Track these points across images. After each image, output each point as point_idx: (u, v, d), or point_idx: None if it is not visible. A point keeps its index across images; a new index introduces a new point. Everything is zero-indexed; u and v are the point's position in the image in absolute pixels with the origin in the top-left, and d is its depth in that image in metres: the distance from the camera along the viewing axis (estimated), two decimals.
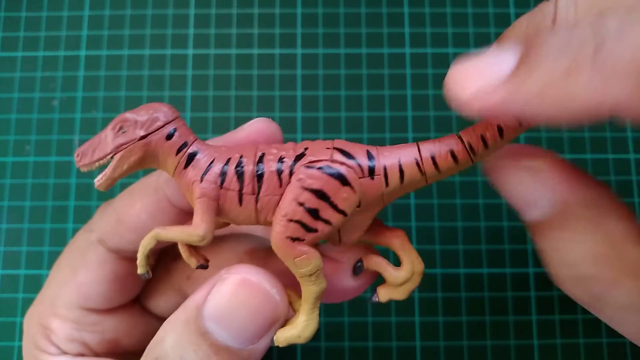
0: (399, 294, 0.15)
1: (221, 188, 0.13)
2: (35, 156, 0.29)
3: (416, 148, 0.14)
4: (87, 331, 0.18)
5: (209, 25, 0.31)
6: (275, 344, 0.14)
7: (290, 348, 0.27)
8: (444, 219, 0.28)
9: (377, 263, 0.15)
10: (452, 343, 0.27)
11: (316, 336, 0.27)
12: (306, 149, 0.14)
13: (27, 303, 0.27)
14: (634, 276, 0.12)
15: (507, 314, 0.27)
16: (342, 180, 0.13)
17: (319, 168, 0.13)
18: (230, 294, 0.13)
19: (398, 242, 0.15)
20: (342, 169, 0.13)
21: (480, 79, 0.11)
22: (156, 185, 0.17)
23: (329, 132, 0.29)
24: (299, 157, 0.13)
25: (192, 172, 0.14)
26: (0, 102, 0.30)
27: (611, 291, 0.12)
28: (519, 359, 0.27)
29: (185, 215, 0.17)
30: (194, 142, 0.14)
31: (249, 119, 0.29)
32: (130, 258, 0.18)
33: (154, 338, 0.14)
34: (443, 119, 0.29)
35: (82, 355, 0.18)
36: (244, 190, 0.13)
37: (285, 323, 0.15)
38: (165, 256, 0.20)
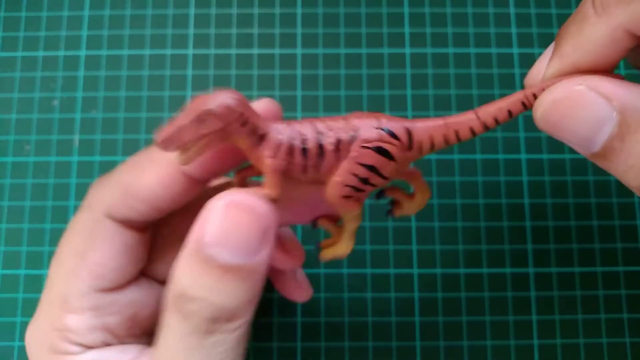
0: (409, 211, 0.19)
1: (289, 163, 0.16)
2: (35, 156, 0.29)
3: (444, 124, 0.17)
4: (107, 314, 0.18)
5: (209, 25, 0.31)
6: (322, 261, 0.18)
7: (291, 347, 0.27)
8: (443, 219, 0.28)
9: (395, 190, 0.20)
10: (452, 343, 0.27)
11: (316, 336, 0.27)
12: (360, 128, 0.16)
13: (27, 303, 0.28)
14: None
15: (507, 314, 0.27)
16: (390, 157, 0.17)
17: (372, 148, 0.16)
18: (222, 218, 0.15)
19: (414, 178, 0.19)
20: (390, 148, 0.16)
21: None
22: (169, 158, 0.17)
23: None
24: (353, 138, 0.16)
25: (265, 151, 0.16)
26: (0, 102, 0.30)
27: None
28: (519, 359, 0.27)
29: (195, 183, 0.18)
30: (262, 123, 0.16)
31: None
32: (137, 227, 0.18)
33: (171, 282, 0.16)
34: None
35: (107, 344, 0.18)
36: (308, 164, 0.16)
37: (329, 247, 0.18)
38: (171, 218, 0.20)
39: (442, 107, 0.29)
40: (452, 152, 0.29)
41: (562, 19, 0.31)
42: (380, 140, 0.16)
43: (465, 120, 0.17)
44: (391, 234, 0.28)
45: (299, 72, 0.30)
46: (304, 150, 0.16)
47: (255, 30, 0.31)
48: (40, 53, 0.30)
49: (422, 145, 0.17)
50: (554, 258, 0.28)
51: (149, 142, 0.29)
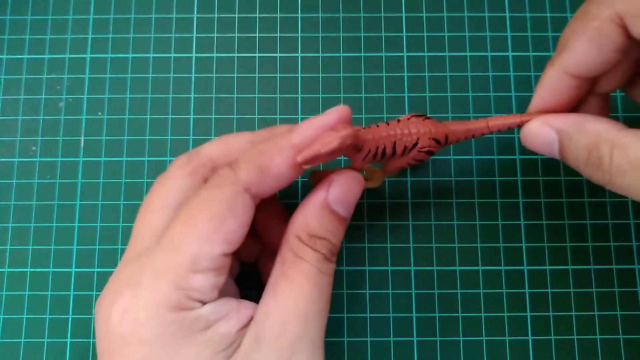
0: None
1: (371, 160, 0.23)
2: (41, 157, 0.30)
3: (466, 129, 0.24)
4: (222, 273, 0.21)
5: (212, 29, 0.31)
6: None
7: None
8: (440, 218, 0.29)
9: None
10: (448, 338, 0.28)
11: None
12: (418, 139, 0.23)
13: (33, 300, 0.28)
14: None
15: (502, 310, 0.28)
16: (432, 154, 0.24)
17: (424, 151, 0.24)
18: (344, 184, 0.22)
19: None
20: (434, 149, 0.24)
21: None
22: (291, 143, 0.21)
23: None
24: (415, 145, 0.23)
25: (360, 157, 0.23)
26: (8, 104, 0.30)
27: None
28: (514, 354, 0.27)
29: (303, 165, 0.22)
30: (359, 140, 0.22)
31: (252, 120, 0.30)
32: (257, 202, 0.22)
33: (297, 226, 0.22)
34: (440, 119, 0.29)
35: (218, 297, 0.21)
36: (383, 159, 0.24)
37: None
38: None
39: (439, 109, 0.30)
40: (448, 154, 0.30)
41: (557, 23, 0.31)
42: (430, 146, 0.24)
43: (480, 127, 0.24)
44: (389, 231, 0.29)
45: (299, 74, 0.31)
46: (383, 154, 0.23)
47: (257, 34, 0.31)
48: (46, 55, 0.31)
49: (451, 143, 0.25)
50: (547, 256, 0.29)
51: (153, 143, 0.30)
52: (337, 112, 0.22)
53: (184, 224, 0.20)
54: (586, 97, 0.23)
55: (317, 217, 0.22)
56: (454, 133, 0.24)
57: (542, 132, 0.22)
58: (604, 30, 0.20)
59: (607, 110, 0.24)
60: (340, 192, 0.22)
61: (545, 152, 0.22)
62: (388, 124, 0.23)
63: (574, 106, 0.23)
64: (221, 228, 0.20)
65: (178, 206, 0.22)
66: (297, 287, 0.21)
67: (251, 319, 0.21)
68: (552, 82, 0.22)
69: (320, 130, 0.21)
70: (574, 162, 0.21)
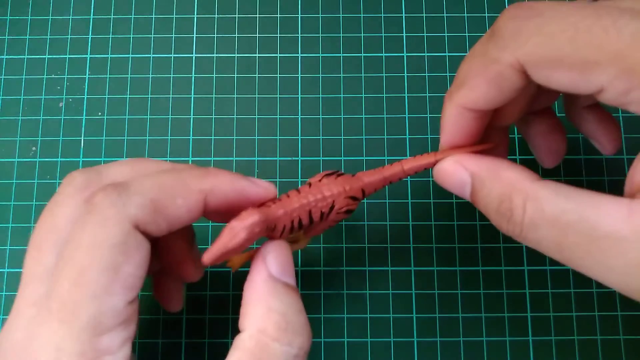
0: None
1: (289, 232, 0.22)
2: (41, 157, 0.30)
3: (383, 178, 0.23)
4: (131, 323, 0.18)
5: (212, 29, 0.31)
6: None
7: None
8: (440, 219, 0.29)
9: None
10: (448, 339, 0.28)
11: (317, 332, 0.28)
12: (334, 201, 0.22)
13: None
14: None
15: (502, 310, 0.28)
16: (352, 212, 0.23)
17: (343, 212, 0.23)
18: (279, 254, 0.20)
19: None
20: (353, 207, 0.23)
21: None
22: (200, 188, 0.19)
23: (329, 134, 0.30)
24: (332, 208, 0.22)
25: (276, 234, 0.21)
26: (7, 104, 0.31)
27: None
28: (514, 355, 0.27)
29: (202, 213, 0.20)
30: (271, 221, 0.21)
31: (251, 120, 0.30)
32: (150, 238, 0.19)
33: (257, 318, 0.19)
34: (439, 120, 0.30)
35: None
36: (302, 229, 0.22)
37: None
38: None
39: (439, 110, 0.30)
40: None
41: None
42: (347, 205, 0.23)
43: (396, 173, 0.23)
44: (389, 232, 0.29)
45: (299, 74, 0.31)
46: (300, 225, 0.22)
47: (257, 34, 0.31)
48: (46, 55, 0.31)
49: (369, 194, 0.23)
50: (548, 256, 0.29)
51: (153, 143, 0.30)
52: (263, 189, 0.21)
53: (73, 284, 0.17)
54: (487, 131, 0.23)
55: (275, 295, 0.19)
56: (370, 185, 0.23)
57: (455, 172, 0.21)
58: (504, 74, 0.19)
59: (507, 141, 0.25)
60: (280, 261, 0.20)
61: (457, 193, 0.21)
62: (299, 192, 0.22)
63: (481, 138, 0.23)
64: (117, 277, 0.17)
65: None
66: None
67: None
68: (454, 118, 0.21)
69: (235, 192, 0.20)
70: (484, 208, 0.20)
